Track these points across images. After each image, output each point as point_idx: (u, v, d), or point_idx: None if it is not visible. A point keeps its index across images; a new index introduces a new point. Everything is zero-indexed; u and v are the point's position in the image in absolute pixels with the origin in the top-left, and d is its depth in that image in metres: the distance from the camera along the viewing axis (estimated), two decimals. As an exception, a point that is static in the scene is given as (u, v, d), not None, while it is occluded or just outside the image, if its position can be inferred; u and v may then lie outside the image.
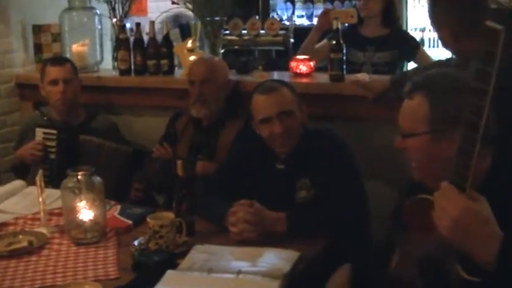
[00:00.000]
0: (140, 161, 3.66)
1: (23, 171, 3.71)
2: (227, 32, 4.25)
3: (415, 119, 1.97)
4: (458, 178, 1.59)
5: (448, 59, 3.29)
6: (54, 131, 3.72)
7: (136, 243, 2.54)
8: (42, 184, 2.82)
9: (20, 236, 2.70)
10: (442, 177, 1.72)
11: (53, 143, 3.70)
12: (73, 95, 3.79)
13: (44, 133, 3.73)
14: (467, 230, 1.57)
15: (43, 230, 2.75)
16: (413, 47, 4.33)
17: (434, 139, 1.93)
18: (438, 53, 5.85)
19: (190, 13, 4.41)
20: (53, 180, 3.43)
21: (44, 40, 4.42)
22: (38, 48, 4.43)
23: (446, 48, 2.93)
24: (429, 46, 6.12)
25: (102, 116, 3.97)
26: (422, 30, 6.29)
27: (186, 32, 5.55)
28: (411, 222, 1.94)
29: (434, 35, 6.21)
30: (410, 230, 1.95)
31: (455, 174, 1.60)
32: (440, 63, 3.40)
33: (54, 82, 3.74)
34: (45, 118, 3.86)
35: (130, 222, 2.85)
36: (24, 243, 2.62)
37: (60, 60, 3.92)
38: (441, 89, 1.95)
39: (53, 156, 3.70)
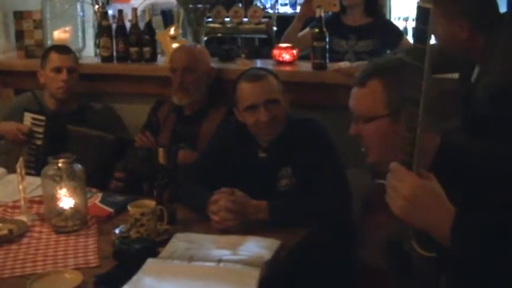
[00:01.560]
0: (123, 150, 3.65)
1: None
2: (210, 19, 4.23)
3: (373, 103, 2.01)
4: (406, 157, 1.59)
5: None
6: (43, 117, 3.70)
7: (117, 231, 2.54)
8: (23, 172, 2.81)
9: (0, 224, 2.68)
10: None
11: (40, 129, 3.69)
12: (74, 85, 3.78)
13: (33, 118, 3.71)
14: (421, 208, 1.57)
15: (23, 218, 2.74)
16: (396, 36, 4.32)
17: (392, 121, 1.96)
18: (421, 42, 5.87)
19: (173, 0, 4.39)
20: (38, 167, 3.42)
21: (26, 26, 4.37)
22: (20, 35, 4.38)
23: (445, 43, 2.85)
24: (412, 35, 6.12)
25: (99, 105, 3.97)
26: (406, 19, 6.29)
27: (168, 19, 5.55)
28: (372, 208, 1.96)
29: (417, 24, 6.22)
30: (372, 215, 1.98)
31: (404, 154, 1.60)
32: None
33: (58, 70, 3.73)
34: (37, 101, 3.84)
35: (111, 210, 2.84)
36: (5, 231, 2.60)
37: (65, 48, 3.86)
38: (393, 72, 1.98)
39: (39, 142, 3.68)
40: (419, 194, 1.57)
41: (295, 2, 7.05)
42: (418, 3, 1.49)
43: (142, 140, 3.55)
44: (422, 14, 1.49)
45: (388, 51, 4.36)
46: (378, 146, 2.02)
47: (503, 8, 2.83)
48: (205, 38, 4.09)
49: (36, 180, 2.94)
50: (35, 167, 3.49)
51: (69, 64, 3.75)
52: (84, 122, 3.76)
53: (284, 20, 4.47)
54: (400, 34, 4.40)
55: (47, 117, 3.70)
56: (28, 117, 3.72)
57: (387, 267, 1.85)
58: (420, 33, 1.50)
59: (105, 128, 3.78)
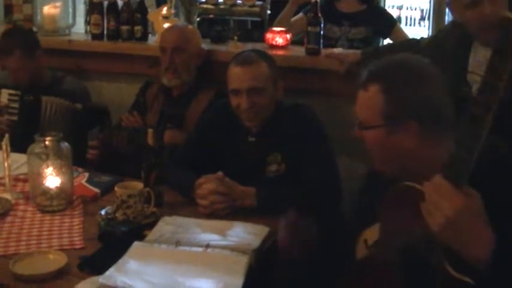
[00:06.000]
0: (95, 119, 3.60)
1: None
2: (203, 0, 4.19)
3: (369, 111, 1.92)
4: (453, 172, 1.53)
5: (421, 39, 3.26)
6: (19, 92, 3.65)
7: (103, 212, 2.49)
8: (8, 149, 2.76)
9: (-17, 202, 2.64)
10: (404, 169, 1.85)
11: (16, 105, 3.64)
12: (29, 72, 3.71)
13: (9, 94, 3.66)
14: (461, 229, 1.52)
15: (7, 196, 2.70)
16: (388, 24, 4.29)
17: (389, 132, 1.88)
18: (414, 31, 5.86)
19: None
20: (15, 143, 3.37)
21: (15, 1, 4.31)
22: (9, 9, 4.32)
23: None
24: (406, 24, 6.11)
25: (70, 78, 3.90)
26: (400, 8, 6.27)
27: (161, -2, 5.48)
28: (392, 209, 1.88)
29: (411, 13, 6.21)
30: (390, 218, 1.89)
31: (450, 168, 1.54)
32: (412, 42, 3.38)
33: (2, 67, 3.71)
34: None
35: (97, 190, 2.81)
36: (-13, 209, 2.56)
37: (7, 49, 3.69)
38: (397, 80, 1.89)
39: (14, 118, 3.63)
40: (462, 217, 1.52)
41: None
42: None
43: (130, 120, 3.50)
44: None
45: (381, 39, 4.35)
46: (377, 155, 1.96)
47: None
48: (197, 19, 4.04)
49: (22, 158, 2.89)
50: (11, 144, 3.44)
51: (14, 65, 3.66)
52: (61, 95, 3.71)
53: (278, 4, 4.41)
54: (393, 22, 4.37)
55: (22, 91, 3.67)
56: (5, 94, 3.69)
57: (404, 277, 1.78)
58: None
59: (76, 99, 3.75)
